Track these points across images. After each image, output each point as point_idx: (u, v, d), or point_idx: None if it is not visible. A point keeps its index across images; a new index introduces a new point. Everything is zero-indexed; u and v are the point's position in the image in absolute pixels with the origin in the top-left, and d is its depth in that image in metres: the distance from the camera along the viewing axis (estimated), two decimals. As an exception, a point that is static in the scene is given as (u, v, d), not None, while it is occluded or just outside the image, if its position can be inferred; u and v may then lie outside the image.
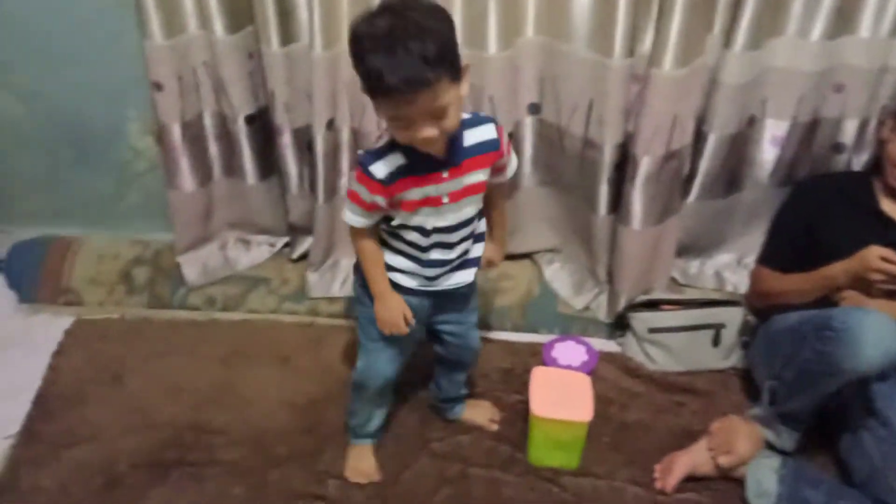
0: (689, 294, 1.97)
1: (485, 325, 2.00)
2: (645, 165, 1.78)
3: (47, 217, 2.22)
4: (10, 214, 2.22)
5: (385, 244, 1.38)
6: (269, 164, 2.03)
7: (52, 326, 1.99)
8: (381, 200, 1.26)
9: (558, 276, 2.08)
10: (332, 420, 1.71)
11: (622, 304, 1.94)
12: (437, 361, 1.64)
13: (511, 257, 2.11)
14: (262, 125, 1.95)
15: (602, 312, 2.00)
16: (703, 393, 1.80)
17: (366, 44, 1.09)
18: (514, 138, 1.90)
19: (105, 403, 1.76)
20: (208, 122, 1.95)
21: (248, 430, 1.69)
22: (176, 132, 1.90)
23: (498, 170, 1.37)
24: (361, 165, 1.25)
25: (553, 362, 1.86)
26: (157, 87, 1.82)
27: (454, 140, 1.25)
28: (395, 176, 1.24)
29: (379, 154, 1.25)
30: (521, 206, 2.03)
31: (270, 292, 2.07)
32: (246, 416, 1.72)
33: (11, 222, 2.23)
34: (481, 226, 1.42)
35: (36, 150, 2.10)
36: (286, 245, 2.18)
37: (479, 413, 1.73)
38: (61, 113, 2.02)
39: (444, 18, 1.13)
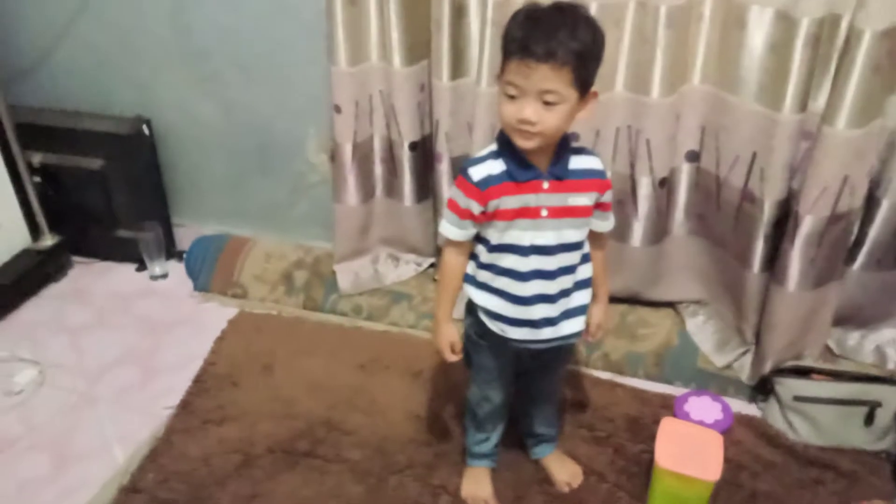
0: (844, 366, 1.83)
1: (617, 369, 1.97)
2: (807, 225, 1.69)
3: (227, 216, 2.44)
4: (197, 211, 2.48)
5: (485, 287, 1.37)
6: (425, 188, 2.13)
7: (218, 314, 2.19)
8: (475, 207, 1.28)
9: (701, 329, 2.01)
10: (451, 437, 1.75)
11: (768, 367, 1.84)
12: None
13: (652, 304, 2.07)
14: (424, 152, 2.06)
15: (745, 373, 1.90)
16: (846, 473, 1.66)
17: (526, 12, 1.18)
18: (669, 185, 1.87)
19: (253, 389, 1.91)
20: (377, 145, 2.09)
21: (374, 435, 1.77)
22: (347, 151, 2.04)
23: (602, 207, 1.36)
24: (462, 170, 1.30)
25: (685, 416, 1.79)
26: (337, 109, 1.98)
27: (560, 158, 1.28)
28: (492, 181, 1.27)
29: (480, 159, 1.29)
30: (668, 254, 1.99)
31: (411, 308, 2.16)
32: (374, 421, 1.81)
33: (197, 218, 2.48)
34: (584, 271, 1.39)
35: (227, 155, 2.33)
36: (431, 265, 2.26)
37: (561, 469, 1.67)
38: (253, 124, 2.24)
39: (599, 37, 1.19)
